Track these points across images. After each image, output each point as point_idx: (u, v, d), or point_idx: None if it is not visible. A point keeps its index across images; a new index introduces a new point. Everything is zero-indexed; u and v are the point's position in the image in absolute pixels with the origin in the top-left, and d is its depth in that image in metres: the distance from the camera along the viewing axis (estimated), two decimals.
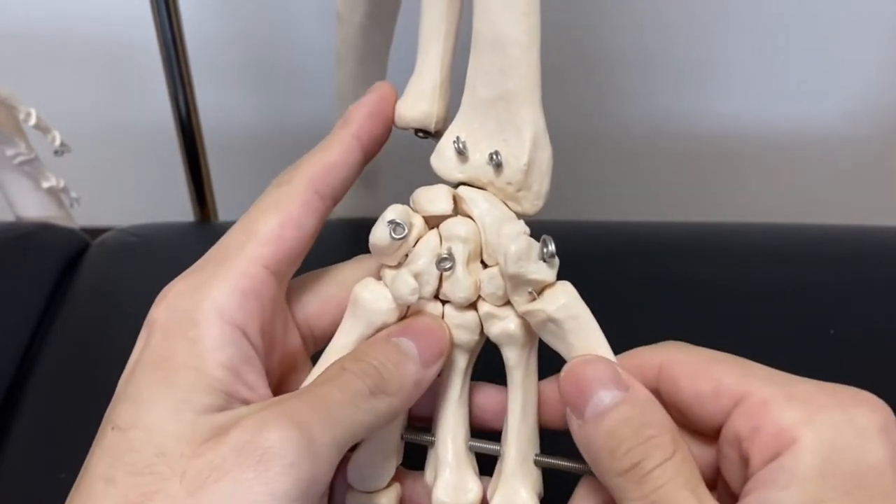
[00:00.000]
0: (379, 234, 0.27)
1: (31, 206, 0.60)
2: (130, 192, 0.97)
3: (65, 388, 0.46)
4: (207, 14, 0.83)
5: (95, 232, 0.58)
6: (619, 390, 0.24)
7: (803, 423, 0.23)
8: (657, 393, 0.26)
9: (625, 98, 0.90)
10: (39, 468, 0.42)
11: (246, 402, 0.25)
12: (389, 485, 0.29)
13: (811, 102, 0.89)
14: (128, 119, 0.91)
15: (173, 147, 0.64)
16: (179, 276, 0.26)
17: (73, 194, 0.62)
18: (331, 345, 0.29)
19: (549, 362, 0.28)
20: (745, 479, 0.24)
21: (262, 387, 0.26)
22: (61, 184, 0.60)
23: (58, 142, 0.59)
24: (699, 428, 0.26)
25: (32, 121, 0.57)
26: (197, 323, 0.24)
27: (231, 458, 0.22)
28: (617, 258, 0.51)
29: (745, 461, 0.24)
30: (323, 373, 0.26)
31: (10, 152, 0.57)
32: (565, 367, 0.26)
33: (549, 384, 0.28)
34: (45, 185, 0.59)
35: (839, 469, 0.22)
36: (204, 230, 0.60)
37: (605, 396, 0.24)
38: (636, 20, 0.84)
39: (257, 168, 0.96)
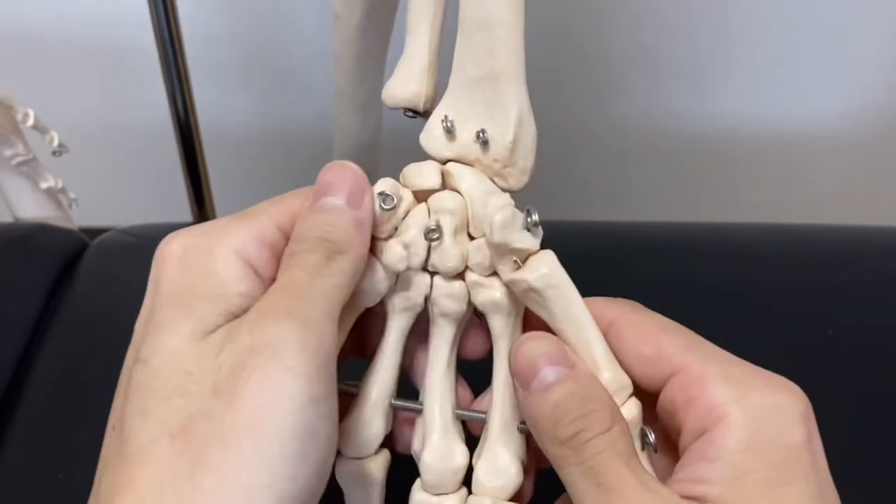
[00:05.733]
0: None
1: (29, 206, 0.60)
2: (129, 192, 0.97)
3: (63, 389, 0.46)
4: (205, 14, 0.83)
5: (94, 232, 0.58)
6: (564, 367, 0.25)
7: (734, 401, 0.24)
8: None
9: (624, 98, 0.90)
10: (38, 468, 0.42)
11: None
12: (378, 451, 0.30)
13: (811, 102, 0.89)
14: (126, 119, 0.91)
15: (172, 147, 0.64)
16: (185, 229, 0.27)
17: (72, 195, 0.62)
18: None
19: None
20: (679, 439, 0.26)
21: None
22: (59, 184, 0.60)
23: (56, 142, 0.59)
24: (639, 387, 0.27)
25: (30, 121, 0.57)
26: (216, 258, 0.25)
27: (250, 361, 0.23)
28: (616, 258, 0.51)
29: (678, 430, 0.26)
30: (280, 271, 0.26)
31: (8, 153, 0.57)
32: (515, 343, 0.27)
33: None
34: (44, 185, 0.59)
35: (764, 445, 0.24)
36: None
37: (551, 372, 0.25)
38: (636, 20, 0.84)
39: (256, 168, 0.96)
